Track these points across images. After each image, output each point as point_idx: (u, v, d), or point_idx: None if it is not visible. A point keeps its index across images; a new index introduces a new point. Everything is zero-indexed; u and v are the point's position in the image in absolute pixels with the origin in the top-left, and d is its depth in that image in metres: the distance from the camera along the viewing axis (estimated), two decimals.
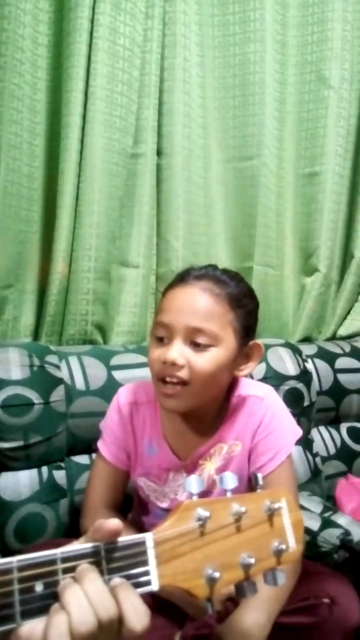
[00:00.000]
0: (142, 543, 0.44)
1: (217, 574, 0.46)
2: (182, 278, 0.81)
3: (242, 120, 1.48)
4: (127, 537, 0.44)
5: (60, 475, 1.09)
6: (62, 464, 1.11)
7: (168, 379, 0.76)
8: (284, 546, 0.50)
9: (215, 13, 1.46)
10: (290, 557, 0.52)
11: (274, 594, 0.73)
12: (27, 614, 0.39)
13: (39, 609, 0.39)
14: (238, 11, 1.45)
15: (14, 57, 1.18)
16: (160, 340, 0.79)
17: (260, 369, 1.33)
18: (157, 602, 0.80)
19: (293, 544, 0.52)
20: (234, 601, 0.76)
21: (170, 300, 0.80)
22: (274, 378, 1.32)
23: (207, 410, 0.85)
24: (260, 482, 0.54)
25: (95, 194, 1.26)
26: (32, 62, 1.24)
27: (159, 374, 0.77)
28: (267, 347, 1.39)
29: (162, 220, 1.42)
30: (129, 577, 0.43)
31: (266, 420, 0.84)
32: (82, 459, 1.13)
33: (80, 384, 1.13)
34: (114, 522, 0.42)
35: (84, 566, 0.41)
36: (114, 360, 1.19)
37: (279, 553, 0.50)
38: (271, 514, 0.52)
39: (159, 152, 1.40)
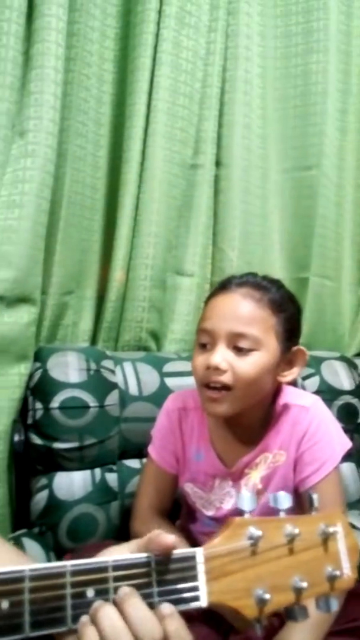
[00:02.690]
0: (193, 558, 0.45)
1: (267, 596, 0.46)
2: (224, 286, 0.84)
3: (303, 131, 1.48)
4: (178, 551, 0.45)
5: (112, 478, 1.12)
6: (114, 467, 1.14)
7: (212, 385, 0.78)
8: (338, 572, 0.49)
9: (278, 24, 1.46)
10: (345, 585, 0.50)
11: (322, 618, 0.72)
12: (77, 619, 0.40)
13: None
14: (301, 22, 1.45)
15: (82, 72, 1.23)
16: (204, 347, 0.81)
17: (313, 382, 1.32)
18: (202, 611, 0.81)
19: (348, 571, 0.51)
20: (279, 616, 0.76)
21: (212, 307, 0.82)
22: (327, 392, 1.30)
23: (252, 418, 0.85)
24: (316, 503, 0.54)
25: (154, 204, 1.29)
26: (99, 76, 1.28)
27: (203, 380, 0.79)
28: (322, 360, 1.38)
29: (218, 230, 1.43)
30: (177, 592, 0.44)
31: (311, 430, 0.84)
32: (134, 463, 1.15)
33: (133, 389, 1.16)
34: (171, 538, 0.43)
35: (124, 590, 0.41)
36: (167, 367, 1.22)
37: (332, 579, 0.50)
38: (326, 538, 0.51)
39: (217, 163, 1.41)
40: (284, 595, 0.48)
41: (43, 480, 1.07)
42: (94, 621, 0.40)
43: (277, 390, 0.87)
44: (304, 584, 0.48)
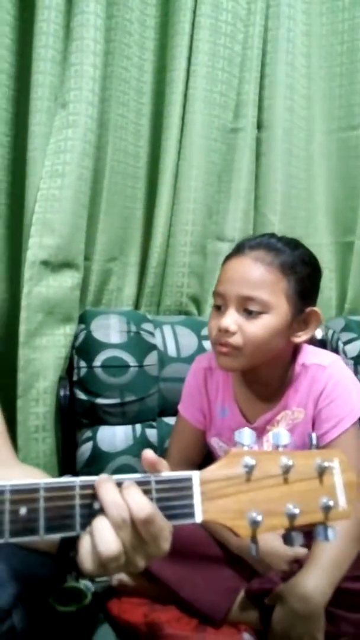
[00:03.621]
0: (189, 479, 0.50)
1: (259, 517, 0.50)
2: (238, 248, 0.86)
3: (349, 89, 1.42)
4: (176, 473, 0.50)
5: (152, 433, 1.18)
6: (154, 424, 1.20)
7: (223, 345, 0.81)
8: (332, 503, 0.52)
9: None
10: (340, 515, 0.53)
11: (336, 560, 0.75)
12: (85, 526, 0.47)
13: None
14: None
15: (122, 42, 1.25)
16: (218, 309, 0.84)
17: (354, 347, 1.30)
18: (228, 556, 0.86)
19: (344, 503, 0.54)
20: (299, 562, 0.79)
21: (225, 270, 0.85)
22: None
23: (271, 376, 0.89)
24: (314, 441, 0.57)
25: (193, 170, 1.30)
26: (140, 44, 1.30)
27: (215, 340, 0.83)
28: None
29: (259, 194, 1.43)
30: (174, 507, 0.49)
31: (329, 388, 0.86)
32: (172, 421, 1.20)
33: (172, 351, 1.21)
34: (150, 452, 0.50)
35: (127, 482, 0.48)
36: (205, 331, 1.24)
37: (327, 509, 0.53)
38: (322, 472, 0.54)
39: (259, 126, 1.40)
40: (277, 519, 0.51)
41: (88, 433, 1.15)
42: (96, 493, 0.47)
43: (296, 350, 0.89)
44: (297, 511, 0.51)
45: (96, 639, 0.80)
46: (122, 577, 0.84)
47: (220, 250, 1.40)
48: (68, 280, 1.17)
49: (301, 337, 0.86)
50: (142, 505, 0.46)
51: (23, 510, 0.46)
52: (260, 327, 0.80)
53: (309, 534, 0.53)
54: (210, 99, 1.30)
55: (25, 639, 0.66)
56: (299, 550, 0.80)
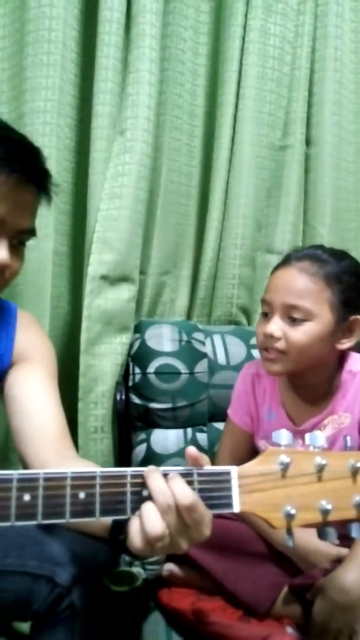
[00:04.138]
0: (228, 473, 0.56)
1: (293, 511, 0.55)
2: (286, 259, 0.91)
3: None
4: (216, 467, 0.56)
5: (202, 437, 1.24)
6: (205, 428, 1.26)
7: (268, 350, 0.87)
8: None
9: None
10: None
11: None
12: (135, 510, 0.53)
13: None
14: None
15: (175, 70, 1.34)
16: (265, 316, 0.90)
17: None
18: (273, 553, 0.91)
19: None
20: (341, 561, 0.83)
21: (272, 279, 0.91)
22: None
23: (316, 381, 0.93)
24: (349, 443, 0.61)
25: (243, 187, 1.37)
26: (192, 71, 1.39)
27: (262, 345, 0.90)
28: None
29: (308, 207, 1.47)
30: (214, 498, 0.55)
31: None
32: (222, 426, 1.24)
33: (221, 359, 1.27)
34: (197, 452, 0.55)
35: (172, 473, 0.54)
36: (254, 340, 1.29)
37: (359, 507, 0.57)
38: (355, 472, 0.58)
39: (307, 142, 1.45)
40: (311, 514, 0.56)
41: (142, 435, 1.23)
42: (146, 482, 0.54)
43: (343, 357, 0.93)
44: (329, 507, 0.55)
45: (147, 624, 0.87)
46: (172, 568, 0.91)
47: (270, 263, 1.45)
48: (125, 293, 1.27)
49: (345, 344, 0.90)
50: (185, 493, 0.53)
51: (82, 495, 0.53)
52: (303, 333, 0.85)
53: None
54: (259, 119, 1.37)
55: (83, 615, 0.73)
56: (341, 550, 0.84)
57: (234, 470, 0.56)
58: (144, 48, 1.22)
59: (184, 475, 0.55)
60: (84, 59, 1.28)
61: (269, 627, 0.83)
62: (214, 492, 0.55)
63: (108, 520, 0.61)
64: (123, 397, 1.24)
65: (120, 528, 0.60)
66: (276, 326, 0.86)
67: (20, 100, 1.21)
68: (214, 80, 1.40)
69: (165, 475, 0.54)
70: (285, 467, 0.56)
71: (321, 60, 1.40)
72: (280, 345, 0.86)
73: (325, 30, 1.39)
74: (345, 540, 0.74)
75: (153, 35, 1.23)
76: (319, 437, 0.59)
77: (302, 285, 0.86)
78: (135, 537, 0.53)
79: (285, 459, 0.56)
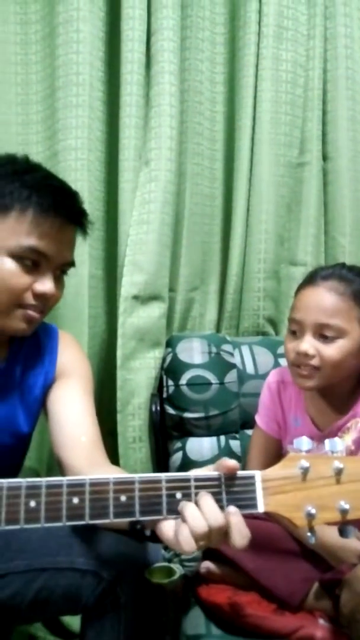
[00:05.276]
0: (253, 477, 0.62)
1: (314, 511, 0.61)
2: (311, 278, 0.96)
3: None
4: (241, 472, 0.63)
5: (235, 444, 1.31)
6: (237, 435, 1.33)
7: (302, 367, 0.92)
8: None
9: None
10: None
11: None
12: (170, 511, 0.60)
13: (177, 511, 0.60)
14: None
15: (195, 100, 1.44)
16: (294, 333, 0.95)
17: None
18: (304, 551, 0.97)
19: None
20: None
21: (300, 299, 0.95)
22: None
23: (342, 389, 0.98)
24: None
25: (264, 205, 1.44)
26: (211, 100, 1.48)
27: (294, 362, 0.94)
28: None
29: (329, 219, 1.53)
30: (240, 499, 0.61)
31: None
32: None
33: (250, 368, 1.34)
34: (233, 462, 0.60)
35: (202, 493, 0.60)
36: (281, 349, 1.36)
37: None
38: None
39: (324, 158, 1.51)
40: (330, 513, 0.61)
41: (178, 444, 1.31)
42: (181, 513, 0.59)
43: None
44: (347, 507, 0.61)
45: (188, 618, 0.94)
46: (209, 565, 0.98)
47: (294, 274, 1.52)
48: (156, 310, 1.36)
49: None
50: (217, 516, 0.58)
51: (123, 498, 0.60)
52: (336, 350, 0.90)
53: None
54: (276, 140, 1.44)
55: (127, 607, 0.81)
56: None
57: (257, 474, 0.62)
58: (164, 84, 1.32)
59: (212, 479, 0.62)
60: (110, 97, 1.39)
61: (302, 619, 0.88)
62: (240, 494, 0.61)
63: None
64: (158, 408, 1.33)
65: (137, 520, 0.66)
66: (309, 344, 0.91)
67: (54, 140, 1.33)
68: (232, 106, 1.48)
69: (197, 482, 0.61)
70: (305, 471, 0.62)
71: (333, 80, 1.47)
72: (314, 362, 0.91)
73: (336, 51, 1.45)
74: None
75: (172, 72, 1.32)
76: (338, 443, 0.65)
77: (332, 304, 0.90)
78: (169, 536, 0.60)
79: (305, 463, 0.62)
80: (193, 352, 1.33)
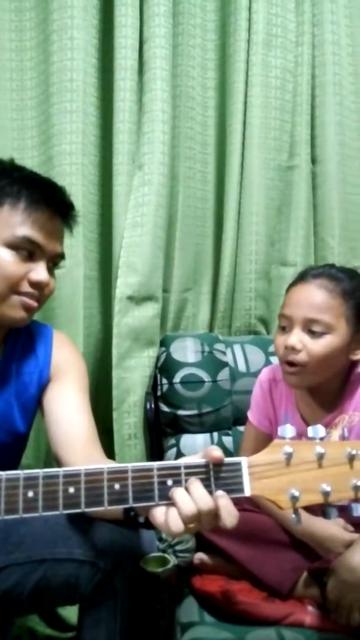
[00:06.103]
0: (239, 464, 0.65)
1: (297, 494, 0.64)
2: (302, 276, 0.99)
3: None
4: (228, 459, 0.66)
5: (228, 440, 1.34)
6: (229, 432, 1.36)
7: (289, 361, 0.95)
8: None
9: None
10: None
11: None
12: (162, 497, 0.63)
13: (168, 497, 0.63)
14: None
15: (186, 105, 1.47)
16: (283, 329, 0.98)
17: None
18: (293, 541, 1.00)
19: None
20: None
21: (290, 296, 0.99)
22: None
23: (330, 387, 1.01)
24: (346, 434, 0.71)
25: (254, 207, 1.48)
26: (202, 104, 1.52)
27: (283, 357, 0.97)
28: None
29: (318, 221, 1.57)
30: (228, 484, 0.65)
31: None
32: None
33: (242, 367, 1.38)
34: (218, 452, 0.63)
35: (191, 479, 0.63)
36: (272, 348, 1.40)
37: (357, 489, 0.65)
38: (352, 458, 0.66)
39: (313, 161, 1.55)
40: (313, 495, 0.65)
41: (172, 440, 1.34)
42: (171, 497, 0.63)
43: (353, 364, 1.02)
44: (329, 489, 0.64)
45: (182, 607, 0.98)
46: (202, 557, 1.01)
47: (284, 275, 1.55)
48: (150, 311, 1.39)
49: (358, 355, 0.98)
50: (206, 499, 0.61)
51: (117, 486, 0.63)
52: (323, 345, 0.93)
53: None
54: (266, 144, 1.48)
55: (123, 595, 0.84)
56: (354, 536, 0.92)
57: (244, 460, 0.66)
58: (156, 90, 1.35)
59: (201, 466, 0.65)
60: (103, 103, 1.42)
61: (291, 606, 0.92)
62: (227, 479, 0.65)
63: None
64: (153, 405, 1.36)
65: (130, 508, 0.68)
66: (297, 338, 0.93)
67: (48, 145, 1.36)
68: (223, 111, 1.52)
69: (187, 469, 0.64)
70: (289, 456, 0.66)
71: (321, 86, 1.51)
72: (301, 357, 0.93)
73: (323, 58, 1.49)
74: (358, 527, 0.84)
75: (164, 78, 1.36)
76: (320, 430, 0.69)
77: (321, 300, 0.94)
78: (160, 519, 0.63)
79: (288, 449, 0.66)
80: (186, 351, 1.36)
